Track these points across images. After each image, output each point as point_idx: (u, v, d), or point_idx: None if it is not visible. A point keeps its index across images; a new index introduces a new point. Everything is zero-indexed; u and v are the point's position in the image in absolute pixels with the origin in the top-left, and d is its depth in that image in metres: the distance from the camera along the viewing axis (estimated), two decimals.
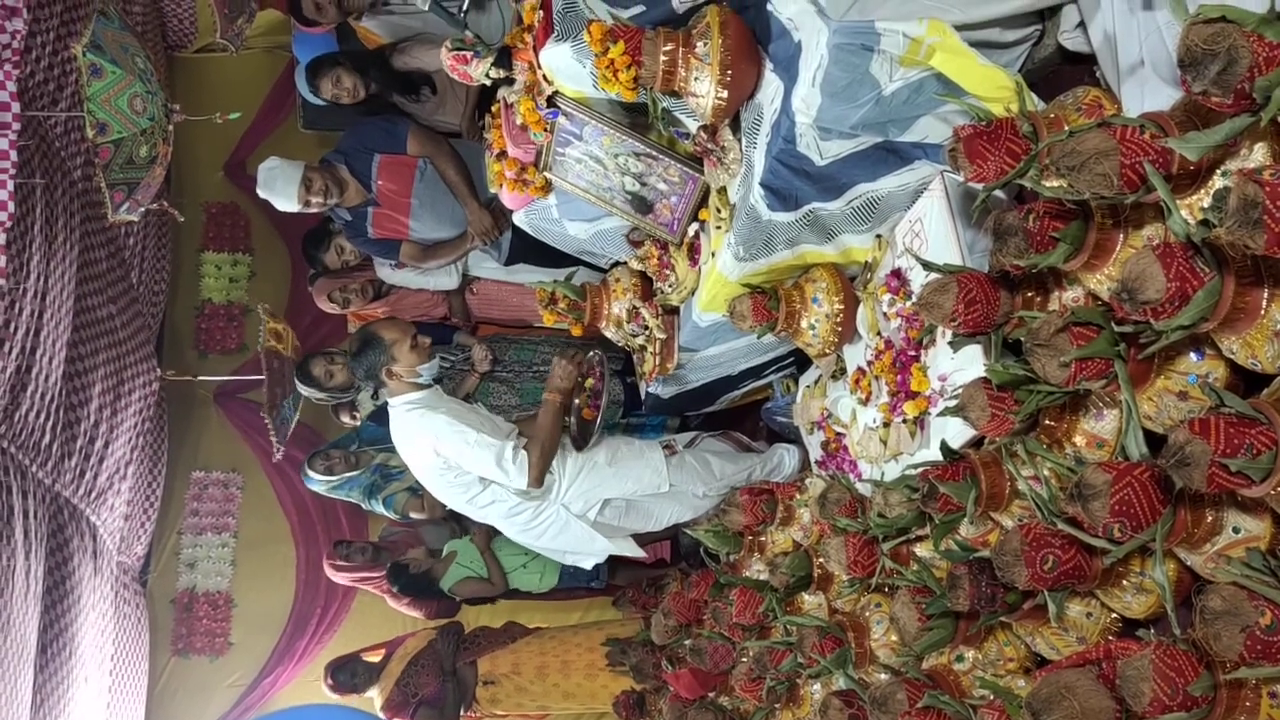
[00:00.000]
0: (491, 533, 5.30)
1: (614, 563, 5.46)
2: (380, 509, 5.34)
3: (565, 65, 3.01)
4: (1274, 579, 1.55)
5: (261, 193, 4.42)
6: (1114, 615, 2.11)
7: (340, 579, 5.68)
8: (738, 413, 4.39)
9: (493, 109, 3.77)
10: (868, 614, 2.94)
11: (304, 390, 5.06)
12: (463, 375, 4.62)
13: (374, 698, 5.08)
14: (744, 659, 3.67)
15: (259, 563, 6.44)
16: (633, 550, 4.04)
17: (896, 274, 2.78)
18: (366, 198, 4.45)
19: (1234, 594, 1.52)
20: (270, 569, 6.41)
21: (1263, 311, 1.59)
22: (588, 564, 4.15)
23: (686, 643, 4.09)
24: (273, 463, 5.85)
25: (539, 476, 3.58)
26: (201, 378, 6.12)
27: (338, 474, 5.18)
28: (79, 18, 3.96)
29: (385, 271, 5.02)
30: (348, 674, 5.18)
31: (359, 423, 5.42)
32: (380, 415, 5.05)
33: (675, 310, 3.73)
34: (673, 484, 3.87)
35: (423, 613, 5.48)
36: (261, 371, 5.25)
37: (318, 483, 5.26)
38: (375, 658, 5.36)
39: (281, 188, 4.34)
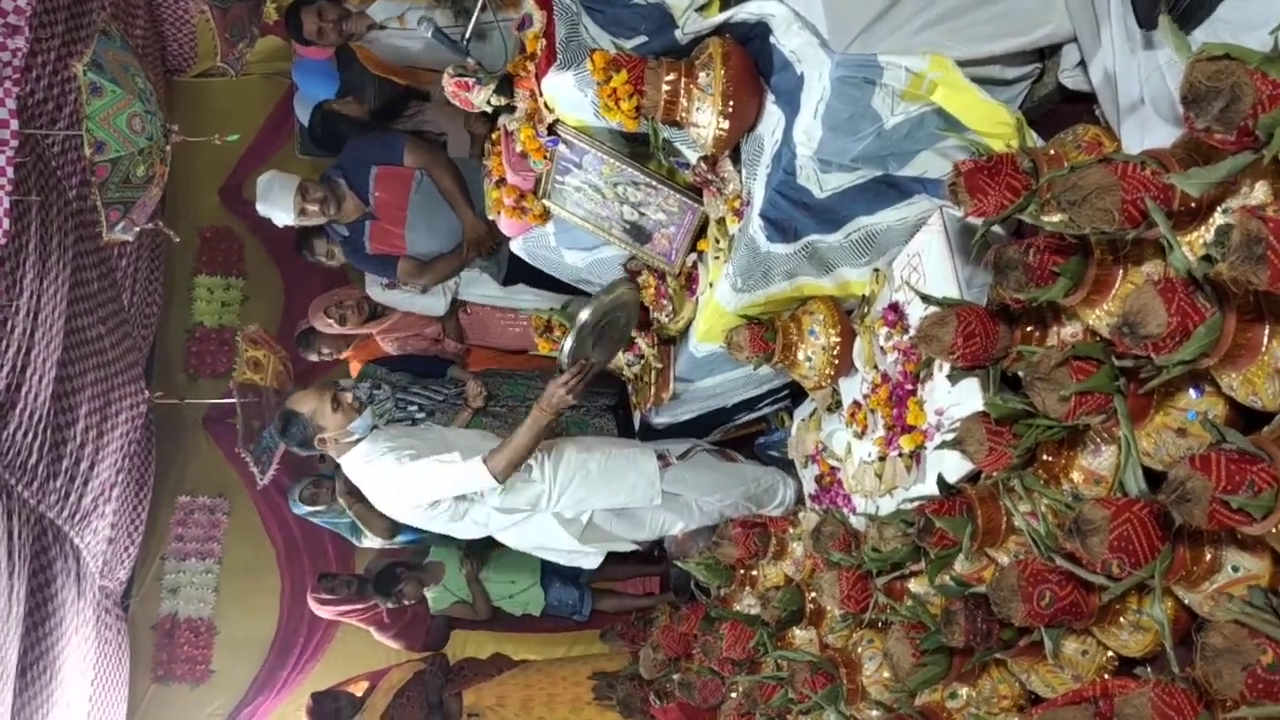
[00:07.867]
0: (479, 564, 5.26)
1: (597, 593, 5.44)
2: (368, 543, 5.28)
3: (567, 93, 3.02)
4: (1276, 617, 1.54)
5: (260, 207, 4.37)
6: (1110, 653, 2.09)
7: (325, 613, 5.57)
8: (731, 446, 4.37)
9: (493, 136, 3.78)
10: (860, 650, 2.91)
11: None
12: (456, 410, 4.59)
13: None
14: (733, 694, 3.63)
15: (243, 590, 6.34)
16: (598, 558, 3.93)
17: (894, 308, 2.78)
18: (364, 212, 4.43)
19: (1235, 631, 1.51)
20: (254, 597, 6.32)
21: (1263, 348, 1.59)
22: (588, 563, 4.02)
23: (675, 677, 4.05)
24: (258, 489, 5.80)
25: (505, 476, 3.41)
26: (189, 400, 6.07)
27: (322, 503, 5.13)
28: (81, 37, 3.96)
29: (375, 290, 5.03)
30: (330, 706, 5.11)
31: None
32: None
33: (672, 340, 3.73)
34: (665, 494, 3.78)
35: (409, 645, 5.42)
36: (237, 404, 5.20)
37: (304, 510, 5.22)
38: (359, 689, 5.30)
39: (277, 196, 4.31)
